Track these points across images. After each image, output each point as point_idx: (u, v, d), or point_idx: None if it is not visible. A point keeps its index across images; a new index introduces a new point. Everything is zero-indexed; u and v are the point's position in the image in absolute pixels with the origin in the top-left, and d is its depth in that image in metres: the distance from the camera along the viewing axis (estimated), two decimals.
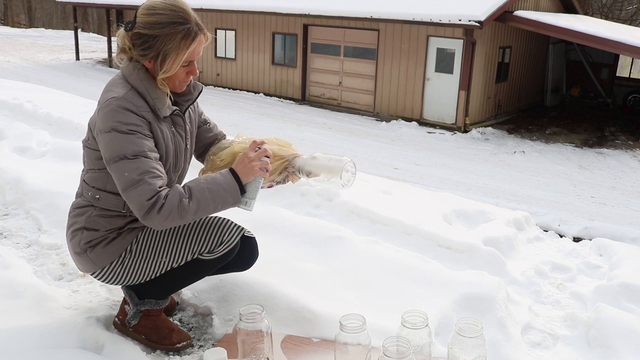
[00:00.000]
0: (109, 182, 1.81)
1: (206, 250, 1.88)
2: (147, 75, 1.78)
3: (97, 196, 1.84)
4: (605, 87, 16.89)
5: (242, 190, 1.79)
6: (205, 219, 1.91)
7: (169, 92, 1.82)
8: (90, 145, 1.82)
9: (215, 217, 1.94)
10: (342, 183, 1.84)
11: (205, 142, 2.12)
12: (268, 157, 1.85)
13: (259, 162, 1.80)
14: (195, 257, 1.89)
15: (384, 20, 13.63)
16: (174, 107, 1.84)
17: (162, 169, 1.74)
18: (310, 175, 1.90)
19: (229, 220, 1.96)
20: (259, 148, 1.85)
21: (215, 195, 1.72)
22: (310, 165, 1.90)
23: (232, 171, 1.79)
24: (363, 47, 14.83)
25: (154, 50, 1.73)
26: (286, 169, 1.95)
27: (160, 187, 1.67)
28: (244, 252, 1.99)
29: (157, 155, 1.75)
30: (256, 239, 2.08)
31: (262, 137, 1.99)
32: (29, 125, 5.31)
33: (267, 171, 1.83)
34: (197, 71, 1.85)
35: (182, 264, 1.90)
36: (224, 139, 2.14)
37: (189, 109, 1.96)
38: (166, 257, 1.88)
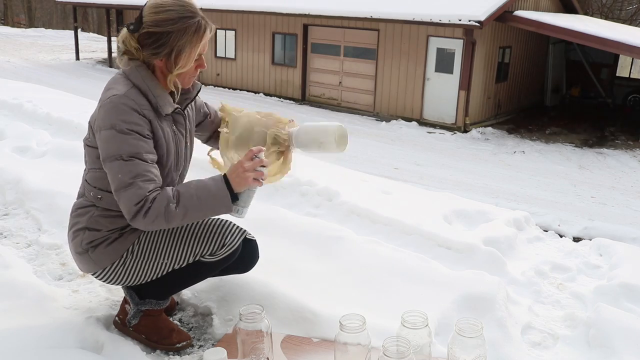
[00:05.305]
0: None
1: (208, 253, 1.88)
2: (148, 73, 1.77)
3: (99, 196, 1.83)
4: (605, 87, 16.90)
5: (235, 197, 1.75)
6: (207, 221, 1.91)
7: (174, 90, 1.82)
8: (91, 144, 1.82)
9: (218, 218, 1.93)
10: (336, 143, 1.87)
11: (211, 130, 2.15)
12: (264, 166, 1.78)
13: (253, 173, 1.73)
14: (197, 259, 1.89)
15: (384, 20, 13.63)
16: (176, 105, 1.85)
17: (157, 172, 1.72)
18: (303, 145, 1.91)
19: (231, 222, 1.95)
20: (257, 157, 1.77)
21: (204, 202, 1.70)
22: (302, 135, 1.90)
23: (225, 178, 1.74)
24: (363, 47, 14.83)
25: (167, 47, 1.72)
26: (282, 153, 1.97)
27: (149, 192, 1.66)
28: (244, 255, 1.98)
29: (154, 157, 1.73)
30: (256, 239, 2.07)
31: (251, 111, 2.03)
32: (29, 125, 5.30)
33: (263, 180, 1.77)
34: (205, 64, 1.85)
35: (183, 265, 1.89)
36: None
37: (187, 107, 1.96)
38: (168, 259, 1.87)
